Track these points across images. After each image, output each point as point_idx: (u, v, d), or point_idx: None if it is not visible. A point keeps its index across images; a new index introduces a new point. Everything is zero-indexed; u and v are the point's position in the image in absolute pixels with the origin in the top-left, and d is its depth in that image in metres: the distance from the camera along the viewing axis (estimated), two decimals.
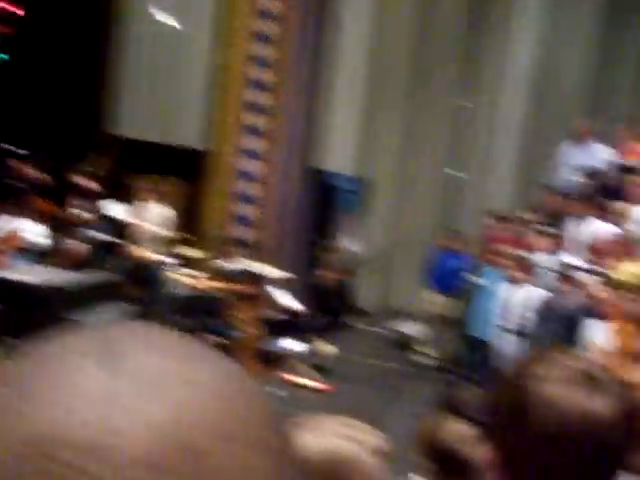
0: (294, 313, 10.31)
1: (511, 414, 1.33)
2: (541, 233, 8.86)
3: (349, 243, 12.88)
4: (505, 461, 1.35)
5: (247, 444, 0.42)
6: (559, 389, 1.28)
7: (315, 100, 12.14)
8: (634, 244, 7.64)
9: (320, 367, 8.68)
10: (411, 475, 3.71)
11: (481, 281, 9.05)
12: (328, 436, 1.17)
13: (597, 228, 8.53)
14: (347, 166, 12.96)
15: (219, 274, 10.63)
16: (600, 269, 7.53)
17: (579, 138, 9.99)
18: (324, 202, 13.07)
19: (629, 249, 7.57)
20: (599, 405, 1.27)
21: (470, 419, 2.58)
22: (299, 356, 9.18)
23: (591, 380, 1.29)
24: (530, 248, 8.73)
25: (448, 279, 9.81)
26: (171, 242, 11.15)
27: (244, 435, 0.42)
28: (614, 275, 7.44)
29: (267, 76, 12.18)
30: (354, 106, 12.77)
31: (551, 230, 8.75)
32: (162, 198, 11.18)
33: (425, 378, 9.09)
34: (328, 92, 12.53)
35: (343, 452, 1.13)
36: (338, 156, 12.91)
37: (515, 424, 1.32)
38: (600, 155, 9.87)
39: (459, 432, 2.60)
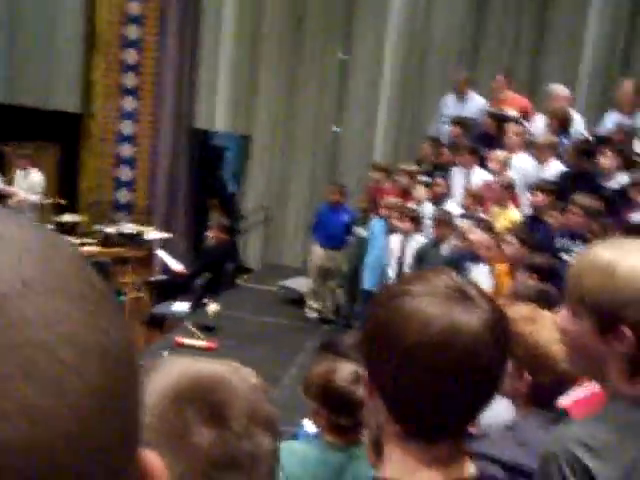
0: (180, 275, 10.18)
1: (376, 330, 1.32)
2: (424, 184, 8.95)
3: (232, 203, 12.78)
4: (372, 377, 1.34)
5: (50, 290, 0.42)
6: (425, 301, 1.27)
7: (192, 58, 11.92)
8: (511, 191, 7.78)
9: (208, 327, 8.59)
10: (304, 420, 3.69)
11: (368, 234, 9.09)
12: (200, 363, 1.12)
13: (477, 176, 8.66)
14: (228, 124, 12.80)
15: (101, 239, 10.40)
16: (479, 215, 7.66)
17: (458, 89, 10.08)
18: (208, 162, 12.92)
19: (507, 196, 7.71)
20: (465, 317, 1.26)
21: (354, 360, 2.56)
22: (186, 317, 9.07)
23: (461, 294, 1.28)
24: (415, 199, 8.81)
25: (335, 233, 9.81)
26: (49, 209, 10.84)
27: (49, 282, 0.43)
28: (492, 221, 7.59)
29: (140, 35, 11.90)
30: (232, 63, 12.58)
31: (434, 180, 8.84)
32: (38, 165, 10.83)
33: (315, 332, 9.13)
34: (204, 49, 12.32)
35: (213, 373, 1.08)
36: (219, 115, 12.74)
37: (379, 338, 1.31)
38: (478, 105, 9.99)
39: (349, 373, 2.58)
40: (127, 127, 12.26)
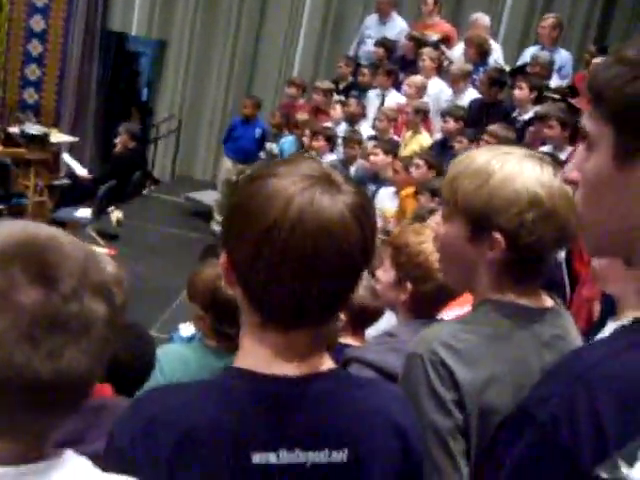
0: (85, 180, 9.94)
1: (237, 210, 1.27)
2: (340, 103, 8.87)
3: (144, 110, 12.49)
4: (230, 262, 1.28)
5: None
6: (288, 182, 1.22)
7: None
8: (424, 116, 7.77)
9: (110, 234, 8.44)
10: (180, 325, 3.65)
11: (279, 149, 9.00)
12: (36, 226, 1.08)
13: (392, 99, 8.63)
14: (145, 29, 12.41)
15: (5, 139, 10.05)
16: (387, 138, 7.65)
17: (381, 10, 9.95)
18: (121, 66, 12.55)
19: (419, 120, 7.69)
20: (327, 198, 1.22)
21: None
22: (89, 224, 8.88)
23: (326, 178, 1.24)
24: (330, 118, 8.72)
25: (246, 147, 9.70)
26: None
27: None
28: (402, 144, 7.60)
29: None
30: None
31: (350, 100, 8.75)
32: None
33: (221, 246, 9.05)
34: None
35: (46, 235, 1.04)
36: (136, 18, 12.34)
37: (239, 219, 1.26)
38: (400, 28, 9.89)
39: None
40: (36, 23, 11.76)
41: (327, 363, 1.34)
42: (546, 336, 1.67)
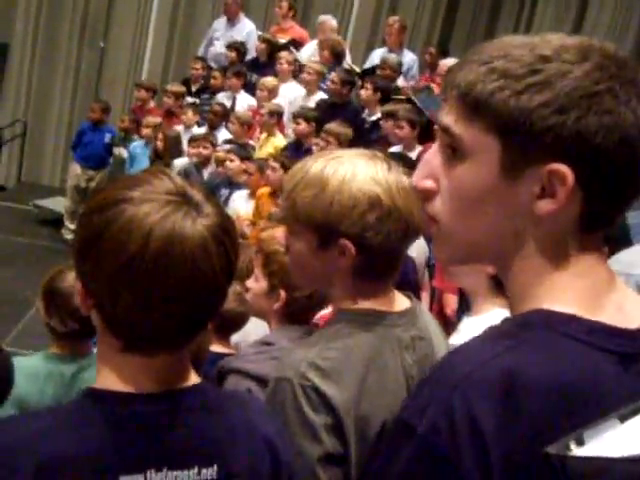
0: None
1: (92, 240, 1.20)
2: (191, 106, 8.80)
3: None
4: (87, 290, 1.23)
5: None
6: (145, 209, 1.17)
7: None
8: (278, 118, 7.81)
9: None
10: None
11: (129, 154, 8.83)
12: None
13: (242, 101, 8.63)
14: None
15: None
16: (244, 142, 7.65)
17: (229, 12, 9.94)
18: None
19: (273, 123, 7.73)
20: (187, 224, 1.18)
21: None
22: None
23: (183, 199, 1.21)
24: (182, 121, 8.63)
25: (95, 152, 9.48)
26: None
27: None
28: (257, 147, 7.62)
29: None
30: None
31: (211, 104, 8.68)
32: None
33: (71, 254, 8.80)
34: None
35: None
36: None
37: (95, 249, 1.19)
38: (248, 30, 9.91)
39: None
40: None
41: (192, 378, 1.32)
42: (406, 339, 1.67)
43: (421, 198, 1.13)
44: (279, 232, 2.28)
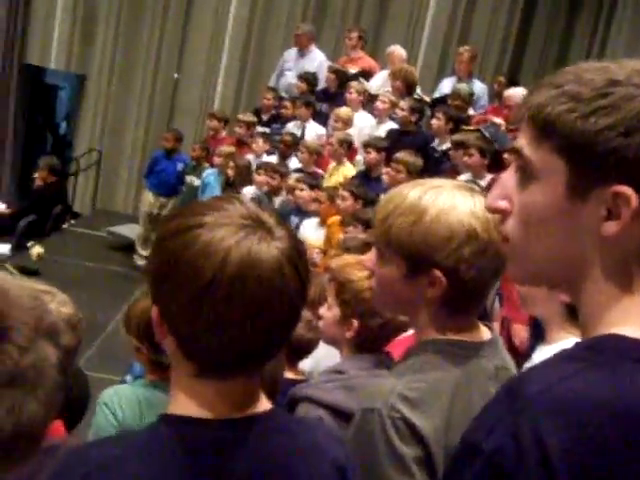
0: (4, 215, 9.75)
1: (168, 265, 1.22)
2: (262, 135, 8.90)
3: (64, 144, 12.31)
4: (163, 315, 1.26)
5: None
6: (220, 233, 1.19)
7: None
8: (348, 147, 7.85)
9: (30, 270, 8.26)
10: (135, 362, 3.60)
11: (200, 183, 8.97)
12: None
13: (311, 130, 8.71)
14: (63, 62, 12.25)
15: None
16: (313, 170, 7.71)
17: (300, 43, 10.05)
18: (40, 100, 12.37)
19: (343, 152, 7.77)
20: (263, 247, 1.20)
21: None
22: (8, 259, 8.69)
23: (257, 223, 1.22)
24: (253, 151, 8.74)
25: (168, 180, 9.65)
26: None
27: None
28: (327, 176, 7.67)
29: None
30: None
31: (282, 134, 8.78)
32: None
33: (143, 280, 8.93)
34: None
35: None
36: (54, 52, 12.18)
37: (172, 274, 1.22)
38: (319, 60, 10.01)
39: None
40: None
41: (264, 404, 1.32)
42: (491, 369, 1.67)
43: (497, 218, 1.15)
44: (351, 259, 2.30)
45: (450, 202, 1.60)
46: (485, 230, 1.58)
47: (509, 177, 1.12)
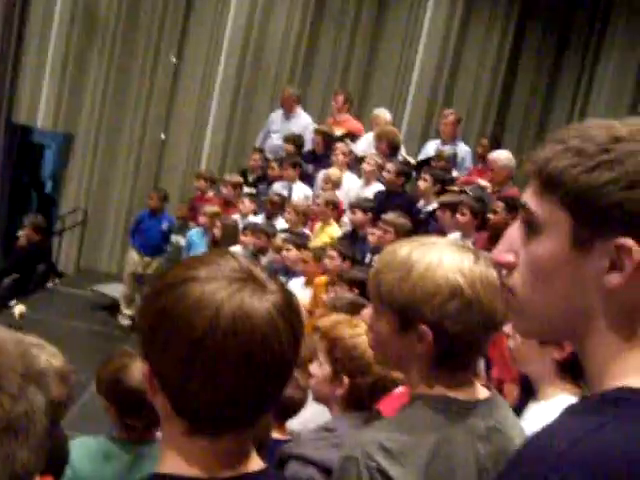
0: None
1: (159, 320, 1.21)
2: (248, 195, 8.96)
3: (49, 203, 12.32)
4: (154, 371, 1.24)
5: None
6: (212, 287, 1.19)
7: (16, 48, 11.38)
8: (335, 208, 7.91)
9: (14, 328, 8.18)
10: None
11: (185, 242, 8.98)
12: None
13: (298, 191, 8.77)
14: (50, 121, 12.32)
15: None
16: (300, 231, 7.74)
17: (286, 105, 10.17)
18: (26, 159, 12.39)
19: (330, 213, 7.82)
20: (255, 301, 1.19)
21: None
22: None
23: (248, 277, 1.22)
24: (239, 211, 8.79)
25: (153, 240, 9.68)
26: None
27: None
28: (313, 236, 7.70)
29: None
30: (59, 56, 12.14)
31: (257, 193, 8.86)
32: None
33: (127, 340, 8.88)
34: (30, 41, 11.82)
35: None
36: (41, 110, 12.27)
37: (163, 329, 1.21)
38: (304, 122, 10.12)
39: (141, 372, 2.51)
40: None
41: (256, 463, 1.30)
42: (481, 429, 1.66)
43: (502, 270, 1.17)
44: (341, 318, 2.31)
45: (437, 258, 1.63)
46: (471, 287, 1.61)
47: (514, 231, 1.14)
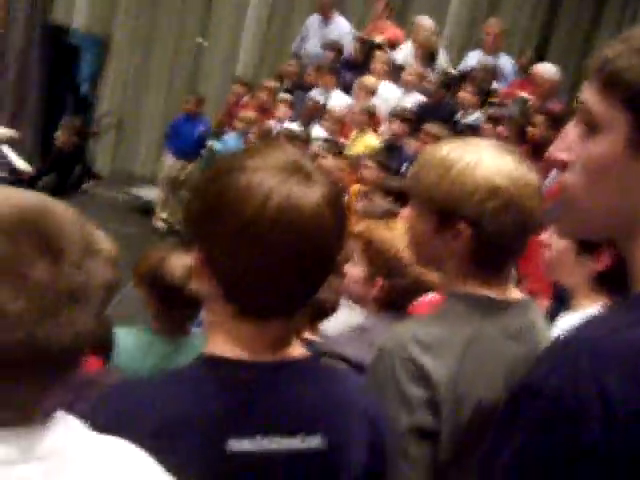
0: (25, 174, 9.78)
1: (209, 207, 1.25)
2: (284, 101, 8.88)
3: (86, 105, 12.31)
4: (203, 256, 1.28)
5: None
6: (261, 176, 1.21)
7: None
8: (372, 117, 7.82)
9: None
10: None
11: (221, 147, 8.96)
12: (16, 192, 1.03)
13: (336, 99, 8.66)
14: (87, 23, 12.22)
15: None
16: (336, 139, 7.68)
17: (324, 10, 9.97)
18: (63, 60, 12.34)
19: (367, 122, 7.74)
20: (304, 191, 1.22)
21: None
22: None
23: (297, 168, 1.24)
24: (273, 115, 8.72)
25: (188, 144, 9.64)
26: None
27: None
28: (349, 144, 7.64)
29: None
30: None
31: (293, 98, 8.76)
32: None
33: (161, 243, 8.97)
34: None
35: (37, 202, 1.00)
36: (78, 12, 12.16)
37: (212, 216, 1.24)
38: (342, 29, 9.92)
39: (182, 265, 2.56)
40: None
41: (299, 351, 1.35)
42: (512, 328, 1.68)
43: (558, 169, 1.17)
44: (389, 221, 2.30)
45: (477, 158, 1.64)
46: (509, 188, 1.62)
47: (571, 130, 1.14)
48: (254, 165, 1.23)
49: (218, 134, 9.40)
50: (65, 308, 0.96)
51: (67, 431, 1.05)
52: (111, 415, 1.24)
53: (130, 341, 2.77)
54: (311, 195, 1.22)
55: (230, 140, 8.82)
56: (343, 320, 3.23)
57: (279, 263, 1.22)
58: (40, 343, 0.94)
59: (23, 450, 0.98)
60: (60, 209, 1.02)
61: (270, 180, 1.21)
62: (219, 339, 1.32)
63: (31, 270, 0.94)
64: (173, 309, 2.70)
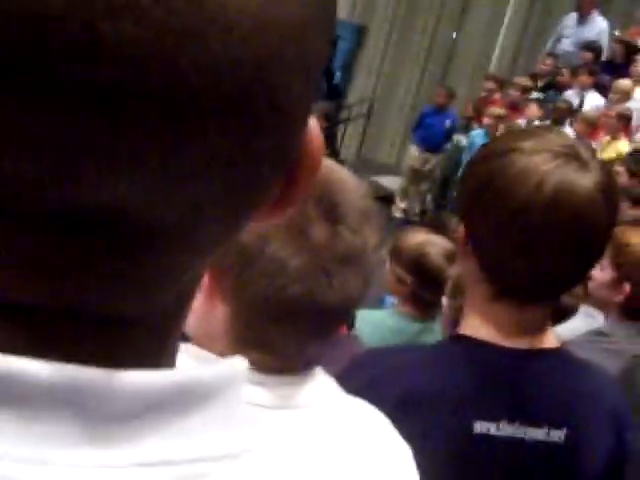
0: None
1: (481, 186, 1.25)
2: (536, 101, 8.72)
3: (337, 92, 12.65)
4: (469, 235, 1.29)
5: None
6: (537, 159, 1.20)
7: None
8: (626, 122, 7.53)
9: None
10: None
11: (466, 141, 8.94)
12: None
13: (590, 101, 8.41)
14: (346, 12, 12.56)
15: None
16: (585, 141, 7.45)
17: (583, 9, 9.66)
18: None
19: (620, 126, 7.46)
20: (579, 177, 1.19)
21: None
22: None
23: (573, 154, 1.21)
24: (525, 115, 8.59)
25: (434, 136, 9.67)
26: None
27: None
28: (599, 150, 7.38)
29: None
30: None
31: (545, 99, 8.58)
32: None
33: (397, 232, 9.06)
34: None
35: (329, 170, 1.03)
36: (337, 2, 12.48)
37: (484, 196, 1.24)
38: (600, 28, 9.58)
39: (443, 248, 2.58)
40: None
41: (552, 341, 1.32)
42: None
43: None
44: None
45: None
46: None
47: None
48: (530, 147, 1.21)
49: (465, 129, 9.37)
50: (340, 270, 1.01)
51: (322, 386, 1.10)
52: (363, 379, 1.27)
53: (375, 321, 2.80)
54: (585, 182, 1.19)
55: (477, 136, 8.77)
56: (574, 326, 3.18)
57: (547, 248, 1.20)
58: (315, 299, 0.99)
59: (284, 397, 1.04)
60: (345, 176, 1.07)
61: (546, 164, 1.19)
62: (475, 321, 1.31)
63: (313, 230, 0.99)
64: (430, 291, 2.72)
